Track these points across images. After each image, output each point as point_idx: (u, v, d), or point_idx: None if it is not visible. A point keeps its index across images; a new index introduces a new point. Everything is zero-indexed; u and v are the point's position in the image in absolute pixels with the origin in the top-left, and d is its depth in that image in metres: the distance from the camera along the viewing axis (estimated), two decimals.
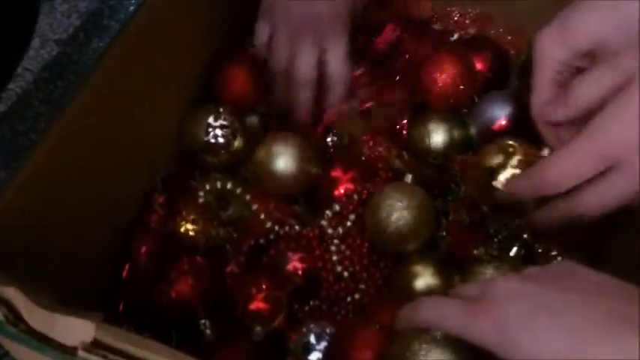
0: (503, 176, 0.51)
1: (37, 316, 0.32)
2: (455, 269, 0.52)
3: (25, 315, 0.31)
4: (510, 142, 0.52)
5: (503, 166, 0.51)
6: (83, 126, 0.44)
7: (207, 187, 0.56)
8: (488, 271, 0.50)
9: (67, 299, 0.33)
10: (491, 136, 0.57)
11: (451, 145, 0.58)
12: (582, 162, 0.40)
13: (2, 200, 0.37)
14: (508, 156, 0.51)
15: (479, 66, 0.63)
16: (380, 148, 0.57)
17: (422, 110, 0.60)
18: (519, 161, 0.51)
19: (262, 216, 0.55)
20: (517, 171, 0.50)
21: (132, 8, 0.86)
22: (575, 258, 0.51)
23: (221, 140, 0.57)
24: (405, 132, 0.60)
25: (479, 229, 0.53)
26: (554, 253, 0.54)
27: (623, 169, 0.38)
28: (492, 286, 0.34)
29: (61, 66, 0.77)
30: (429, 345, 0.36)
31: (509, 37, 0.68)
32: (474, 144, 0.58)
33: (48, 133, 0.41)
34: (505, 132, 0.57)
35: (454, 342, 0.35)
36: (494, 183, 0.51)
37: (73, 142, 0.43)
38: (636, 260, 0.50)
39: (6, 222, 0.37)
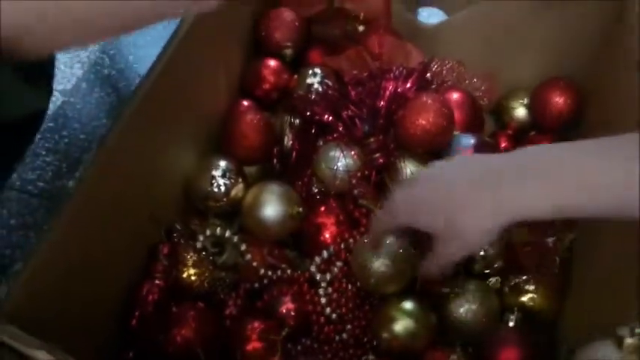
0: None
1: None
2: (430, 309, 0.57)
3: None
4: None
5: None
6: (99, 189, 0.49)
7: (208, 232, 0.62)
8: (459, 309, 0.57)
9: (85, 350, 0.38)
10: None
11: None
12: None
13: (28, 269, 0.42)
14: None
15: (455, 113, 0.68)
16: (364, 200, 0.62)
17: (402, 152, 0.66)
18: None
19: (255, 263, 0.60)
20: None
21: (131, 57, 0.92)
22: (546, 278, 0.58)
23: (222, 189, 0.63)
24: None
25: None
26: (524, 278, 0.60)
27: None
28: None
29: (66, 117, 0.82)
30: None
31: (482, 87, 0.73)
32: None
33: (70, 199, 0.47)
34: None
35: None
36: None
37: (91, 207, 0.48)
38: (598, 268, 0.56)
39: (33, 290, 0.42)
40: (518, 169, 0.42)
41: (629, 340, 0.32)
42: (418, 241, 0.54)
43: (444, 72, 0.74)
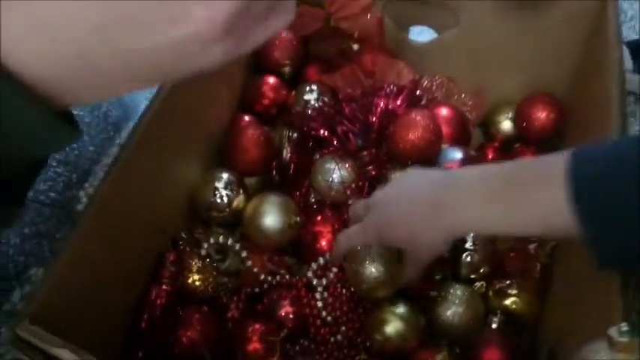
0: None
1: None
2: (419, 312, 0.61)
3: None
4: None
5: None
6: (112, 202, 0.53)
7: (211, 240, 0.66)
8: (446, 312, 0.61)
9: (99, 350, 0.42)
10: None
11: None
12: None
13: (50, 276, 0.46)
14: None
15: (443, 127, 0.73)
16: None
17: (393, 165, 0.70)
18: None
19: (256, 269, 0.64)
20: None
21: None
22: (528, 283, 0.62)
23: (225, 200, 0.67)
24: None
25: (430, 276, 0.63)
26: (508, 283, 0.64)
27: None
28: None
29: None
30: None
31: (470, 102, 0.78)
32: None
33: (85, 211, 0.51)
34: None
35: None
36: None
37: (104, 218, 0.52)
38: (578, 273, 0.59)
39: (54, 294, 0.46)
40: (460, 192, 0.49)
41: (618, 340, 0.34)
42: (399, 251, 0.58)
43: (434, 88, 0.78)
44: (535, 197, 0.44)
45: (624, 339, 0.31)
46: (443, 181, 0.51)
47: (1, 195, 0.26)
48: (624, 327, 0.32)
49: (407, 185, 0.55)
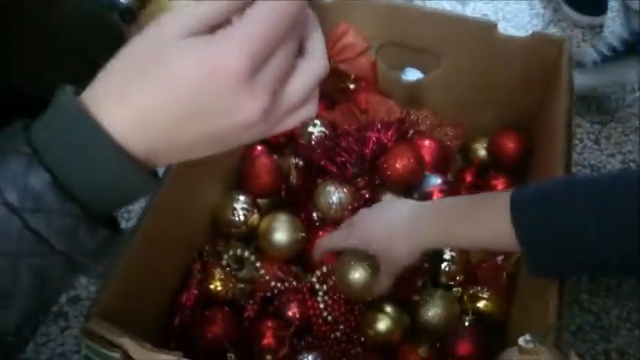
0: None
1: (141, 355, 0.53)
2: (405, 312, 0.73)
3: (135, 355, 0.53)
4: None
5: None
6: (154, 224, 0.66)
7: (230, 252, 0.78)
8: (427, 313, 0.73)
9: (145, 341, 0.55)
10: None
11: None
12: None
13: (110, 284, 0.59)
14: None
15: (426, 157, 0.85)
16: None
17: (383, 189, 0.83)
18: None
19: (267, 277, 0.77)
20: None
21: None
22: (496, 289, 0.75)
23: (242, 218, 0.79)
24: None
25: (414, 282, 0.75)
26: (479, 288, 0.76)
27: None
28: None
29: None
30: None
31: (450, 133, 0.90)
32: None
33: (135, 231, 0.64)
34: None
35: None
36: None
37: (148, 237, 0.65)
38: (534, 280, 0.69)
39: (111, 299, 0.59)
40: (431, 213, 0.63)
41: (525, 346, 0.45)
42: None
43: (419, 120, 0.91)
44: (485, 216, 0.57)
45: (529, 346, 0.43)
46: (418, 206, 0.64)
47: (111, 225, 0.37)
48: (528, 337, 0.43)
49: (389, 207, 0.68)
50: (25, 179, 0.32)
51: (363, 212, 0.70)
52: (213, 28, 0.32)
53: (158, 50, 0.32)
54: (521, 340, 0.44)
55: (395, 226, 0.64)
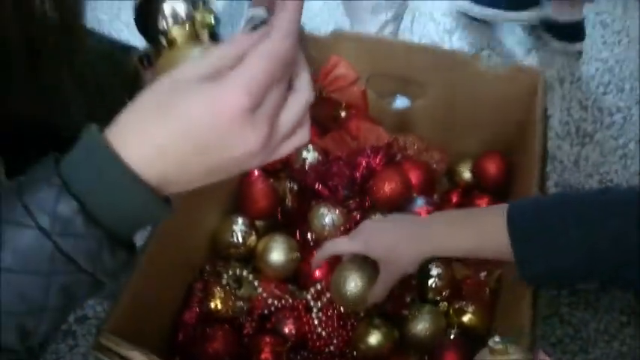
0: None
1: None
2: (394, 327, 0.78)
3: None
4: None
5: None
6: (157, 246, 0.71)
7: (230, 272, 0.83)
8: (416, 327, 0.77)
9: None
10: None
11: None
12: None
13: (119, 303, 0.64)
14: None
15: (413, 179, 0.90)
16: None
17: (373, 210, 0.88)
18: None
19: (265, 295, 0.81)
20: None
21: None
22: (480, 303, 0.79)
23: (241, 239, 0.84)
24: None
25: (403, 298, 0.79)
26: (464, 303, 0.81)
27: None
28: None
29: None
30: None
31: (436, 157, 0.96)
32: None
33: (141, 253, 0.68)
34: None
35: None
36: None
37: (152, 259, 0.70)
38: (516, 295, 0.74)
39: (120, 317, 0.63)
40: (432, 223, 0.69)
41: (494, 347, 0.48)
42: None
43: (407, 145, 0.96)
44: (484, 226, 0.63)
45: (498, 347, 0.47)
46: (420, 218, 0.70)
47: (129, 248, 0.42)
48: (497, 339, 0.47)
49: (393, 217, 0.75)
50: (56, 206, 0.37)
51: (368, 222, 0.75)
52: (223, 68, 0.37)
53: (174, 93, 0.37)
54: (491, 342, 0.48)
55: (401, 232, 0.70)
